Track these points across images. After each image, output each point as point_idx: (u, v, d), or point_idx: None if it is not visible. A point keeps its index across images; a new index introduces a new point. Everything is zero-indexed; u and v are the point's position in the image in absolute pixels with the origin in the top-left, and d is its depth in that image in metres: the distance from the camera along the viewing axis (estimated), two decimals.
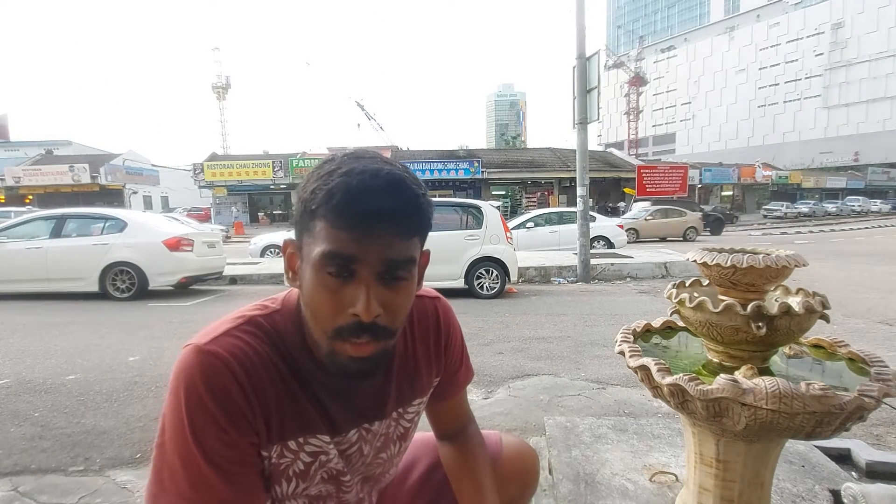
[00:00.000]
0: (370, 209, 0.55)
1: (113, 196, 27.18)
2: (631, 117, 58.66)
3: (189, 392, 0.58)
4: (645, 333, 1.43)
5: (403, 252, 0.59)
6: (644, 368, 1.11)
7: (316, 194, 0.57)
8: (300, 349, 0.66)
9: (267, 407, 0.63)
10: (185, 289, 7.10)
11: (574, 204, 9.94)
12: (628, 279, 7.93)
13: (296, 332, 0.66)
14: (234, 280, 8.06)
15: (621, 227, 12.60)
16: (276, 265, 8.83)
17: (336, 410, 0.70)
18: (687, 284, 1.34)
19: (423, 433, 0.99)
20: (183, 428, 0.58)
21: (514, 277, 6.63)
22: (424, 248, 0.67)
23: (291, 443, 0.66)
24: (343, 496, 0.76)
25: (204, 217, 26.06)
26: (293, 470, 0.68)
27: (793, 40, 57.10)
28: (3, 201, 24.88)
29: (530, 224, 11.71)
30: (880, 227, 22.74)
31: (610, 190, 29.32)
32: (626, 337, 1.31)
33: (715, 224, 20.23)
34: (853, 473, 1.72)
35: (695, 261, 1.20)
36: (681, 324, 1.37)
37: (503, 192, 28.59)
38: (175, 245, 6.53)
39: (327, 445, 0.69)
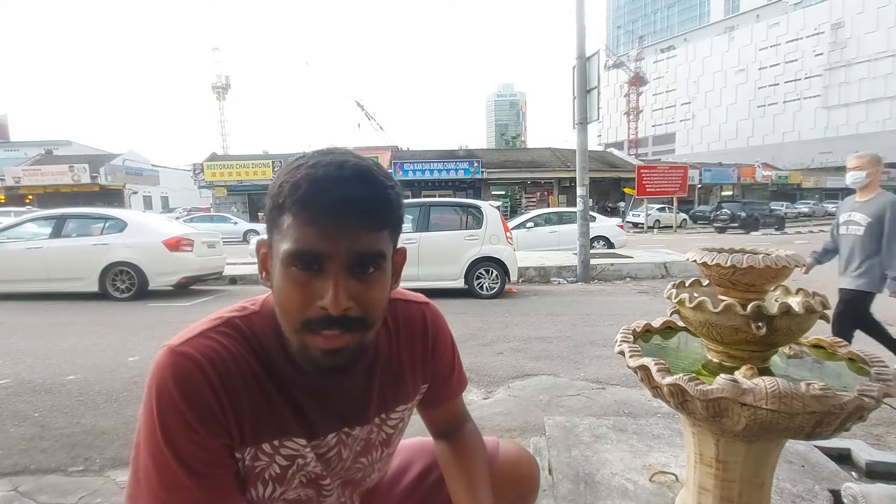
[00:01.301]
0: (335, 199, 0.55)
1: (113, 196, 27.14)
2: (631, 117, 58.64)
3: (161, 393, 0.58)
4: (645, 333, 1.43)
5: (373, 245, 0.58)
6: (644, 368, 1.11)
7: (283, 188, 0.57)
8: (277, 351, 0.65)
9: (240, 408, 0.62)
10: (184, 289, 7.10)
11: (574, 204, 9.94)
12: (628, 279, 7.93)
13: (273, 334, 0.65)
14: (233, 280, 8.06)
15: (621, 227, 12.61)
16: None
17: (314, 414, 0.68)
18: (687, 284, 1.34)
19: (419, 438, 0.99)
20: (154, 428, 0.58)
21: (513, 277, 6.63)
22: (400, 246, 0.67)
23: (266, 445, 0.65)
24: (323, 500, 0.75)
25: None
26: (269, 473, 0.67)
27: (792, 40, 57.07)
28: (3, 201, 24.85)
29: (530, 224, 11.71)
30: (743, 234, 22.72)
31: (610, 190, 29.30)
32: (625, 337, 1.31)
33: (779, 221, 22.69)
34: (853, 473, 1.72)
35: (695, 261, 1.20)
36: (681, 324, 1.37)
37: (503, 192, 28.56)
38: (175, 245, 6.53)
39: (304, 449, 0.68)
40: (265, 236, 0.64)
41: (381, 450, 0.79)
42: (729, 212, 22.42)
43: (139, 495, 0.59)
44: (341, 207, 0.55)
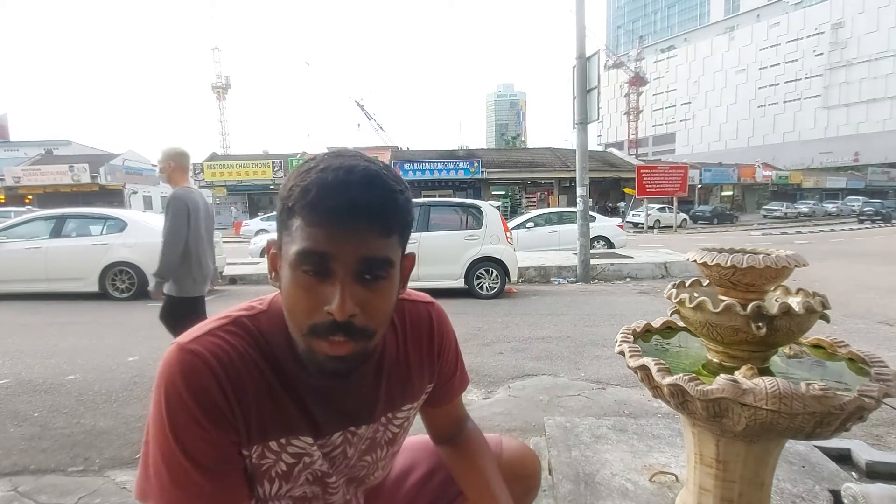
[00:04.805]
0: (344, 204, 0.55)
1: (113, 196, 27.15)
2: (631, 117, 58.62)
3: (169, 390, 0.59)
4: (645, 333, 1.43)
5: (381, 251, 0.58)
6: (644, 368, 1.11)
7: (293, 191, 0.57)
8: (285, 350, 0.66)
9: (247, 406, 0.63)
10: None
11: (574, 204, 9.94)
12: (628, 279, 7.93)
13: (281, 333, 0.66)
14: (233, 280, 8.06)
15: (621, 227, 12.62)
16: None
17: (320, 413, 0.69)
18: (687, 284, 1.34)
19: (422, 436, 0.99)
20: (164, 425, 0.59)
21: (513, 277, 6.63)
22: (409, 251, 0.66)
23: (273, 444, 0.66)
24: (329, 497, 0.75)
25: None
26: (275, 471, 0.68)
27: (793, 40, 57.07)
28: (3, 201, 24.86)
29: (530, 224, 11.70)
30: (880, 226, 22.88)
31: (610, 190, 29.32)
32: (626, 337, 1.31)
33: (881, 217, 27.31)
34: (853, 473, 1.72)
35: (695, 261, 1.20)
36: (681, 324, 1.37)
37: (503, 192, 28.57)
38: None
39: (311, 447, 0.69)
40: (275, 236, 0.64)
41: (385, 448, 0.80)
42: (873, 208, 28.47)
43: (150, 491, 0.60)
44: (349, 211, 0.55)
